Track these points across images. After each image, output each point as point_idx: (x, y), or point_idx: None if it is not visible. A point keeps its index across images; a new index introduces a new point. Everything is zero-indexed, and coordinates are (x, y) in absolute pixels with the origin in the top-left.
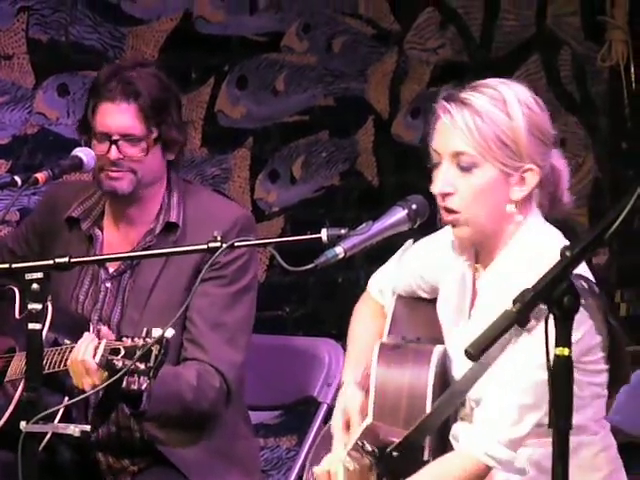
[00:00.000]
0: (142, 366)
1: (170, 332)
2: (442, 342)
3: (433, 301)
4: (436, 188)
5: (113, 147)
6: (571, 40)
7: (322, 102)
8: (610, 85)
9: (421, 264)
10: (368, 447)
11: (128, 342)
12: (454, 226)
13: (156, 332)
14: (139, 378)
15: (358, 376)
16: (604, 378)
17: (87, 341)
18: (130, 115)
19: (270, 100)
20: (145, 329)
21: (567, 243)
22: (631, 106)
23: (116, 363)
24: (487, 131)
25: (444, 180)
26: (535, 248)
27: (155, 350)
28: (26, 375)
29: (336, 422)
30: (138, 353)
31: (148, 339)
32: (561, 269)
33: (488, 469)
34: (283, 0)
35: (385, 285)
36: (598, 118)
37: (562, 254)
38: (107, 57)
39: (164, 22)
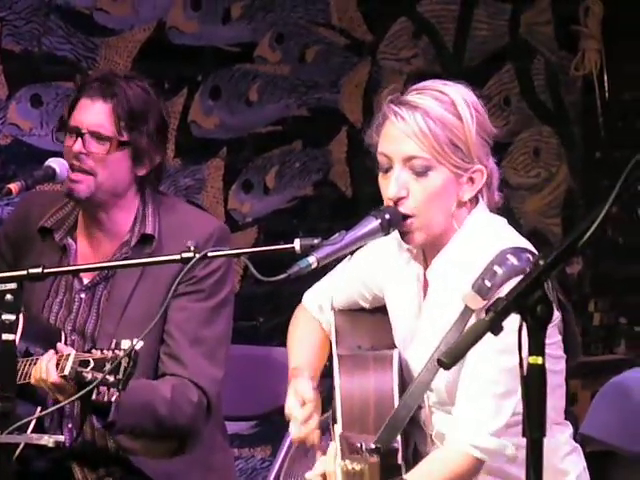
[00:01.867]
0: (111, 378)
1: (139, 344)
2: (394, 346)
3: (373, 310)
4: (391, 193)
5: (78, 139)
6: (544, 49)
7: (295, 112)
8: (584, 94)
9: (364, 272)
10: (371, 445)
11: (97, 354)
12: (407, 234)
13: (125, 344)
14: (108, 390)
15: (306, 369)
16: (562, 366)
17: (45, 360)
18: (102, 113)
19: (243, 110)
20: (114, 341)
21: (510, 228)
22: (605, 115)
23: (85, 375)
24: (440, 134)
25: (398, 184)
26: (479, 236)
27: (124, 362)
28: None
29: (292, 402)
30: (108, 365)
31: (117, 351)
32: (534, 278)
33: (479, 462)
34: (256, 10)
35: (324, 300)
36: (572, 127)
37: (536, 263)
38: (80, 68)
39: (137, 32)
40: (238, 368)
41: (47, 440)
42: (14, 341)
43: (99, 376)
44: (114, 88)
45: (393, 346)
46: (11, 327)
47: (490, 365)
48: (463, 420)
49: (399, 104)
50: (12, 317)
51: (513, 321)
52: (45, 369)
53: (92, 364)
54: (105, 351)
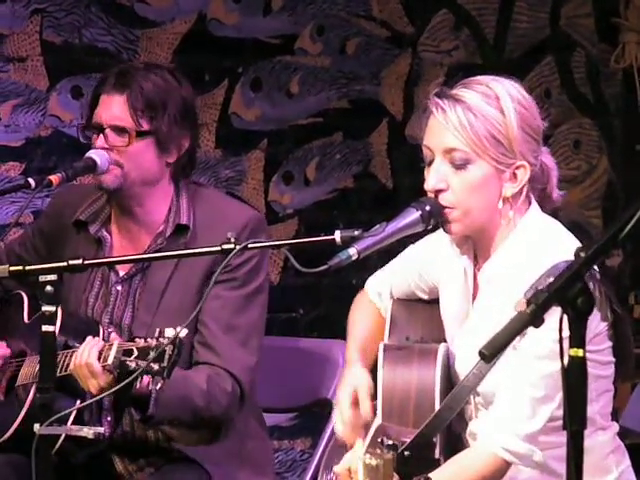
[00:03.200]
0: (156, 367)
1: (183, 332)
2: (444, 340)
3: (430, 302)
4: (429, 185)
5: (100, 136)
6: (585, 42)
7: (336, 104)
8: (624, 87)
9: (420, 263)
10: (389, 441)
11: (141, 343)
12: (447, 222)
13: (169, 332)
14: (153, 379)
15: (362, 355)
16: (610, 371)
17: (90, 344)
18: (119, 106)
19: (284, 102)
20: (158, 330)
21: (567, 234)
22: None
23: (129, 364)
24: (480, 128)
25: (437, 177)
26: (535, 242)
27: (169, 350)
28: (38, 378)
29: (343, 397)
30: (152, 354)
31: (161, 339)
32: (575, 270)
33: (507, 465)
34: (297, 2)
35: (384, 287)
36: (612, 120)
37: (576, 255)
38: (121, 59)
39: (178, 24)
40: (278, 360)
41: (86, 432)
42: (54, 332)
43: (143, 364)
44: (128, 80)
45: (442, 340)
46: (51, 319)
47: (531, 369)
48: (497, 421)
49: (442, 97)
50: (52, 308)
51: (556, 328)
52: (88, 353)
53: (136, 353)
54: (149, 339)
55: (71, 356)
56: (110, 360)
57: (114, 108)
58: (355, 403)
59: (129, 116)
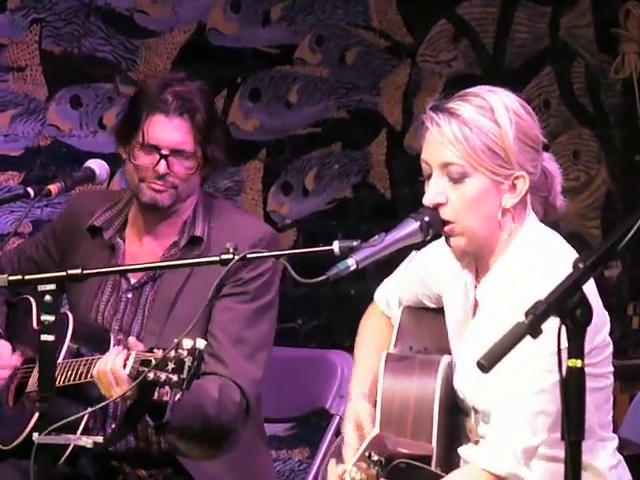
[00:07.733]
0: (175, 378)
1: (202, 343)
2: (449, 352)
3: (439, 310)
4: (427, 199)
5: (162, 161)
6: (584, 52)
7: (335, 114)
8: (623, 97)
9: (425, 272)
10: (375, 457)
11: (159, 353)
12: (449, 237)
13: (187, 343)
14: (172, 390)
15: (366, 388)
16: (608, 382)
17: (115, 352)
18: (183, 131)
19: (283, 112)
20: (176, 340)
21: (565, 245)
22: None
23: (148, 375)
24: (476, 141)
25: (435, 191)
26: (533, 255)
27: (188, 362)
28: (38, 387)
29: (348, 431)
30: (170, 365)
31: (180, 350)
32: (573, 281)
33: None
34: (296, 12)
35: (391, 296)
36: (611, 130)
37: (575, 266)
38: (120, 69)
39: (177, 34)
40: (276, 370)
41: (85, 441)
42: (53, 342)
43: (162, 375)
44: (191, 103)
45: (446, 351)
46: (50, 328)
47: (532, 382)
48: (496, 438)
49: (438, 111)
50: (51, 318)
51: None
52: (113, 360)
53: (154, 363)
54: (168, 351)
55: (85, 365)
56: (128, 369)
57: (178, 133)
58: (358, 427)
59: (193, 142)
